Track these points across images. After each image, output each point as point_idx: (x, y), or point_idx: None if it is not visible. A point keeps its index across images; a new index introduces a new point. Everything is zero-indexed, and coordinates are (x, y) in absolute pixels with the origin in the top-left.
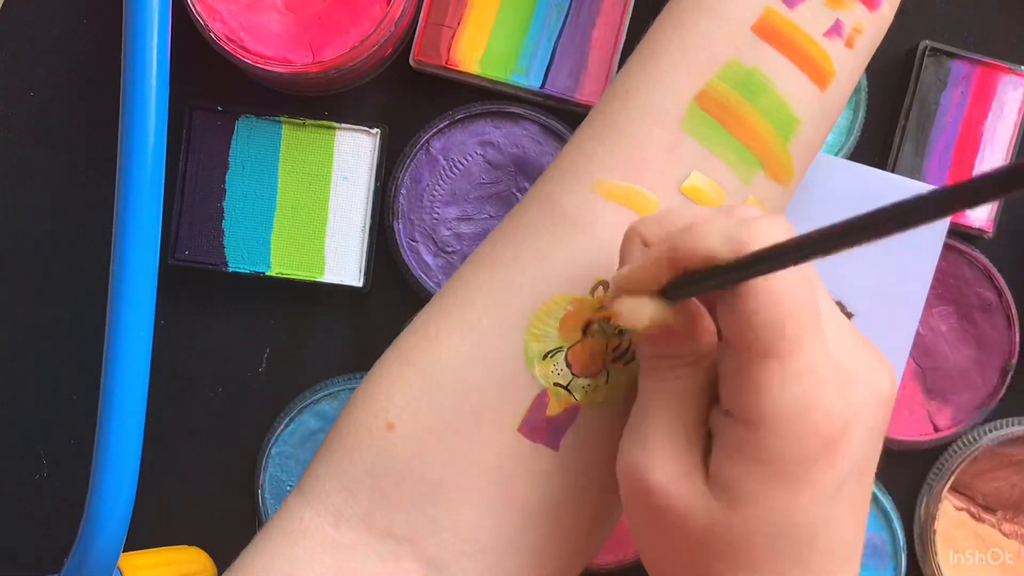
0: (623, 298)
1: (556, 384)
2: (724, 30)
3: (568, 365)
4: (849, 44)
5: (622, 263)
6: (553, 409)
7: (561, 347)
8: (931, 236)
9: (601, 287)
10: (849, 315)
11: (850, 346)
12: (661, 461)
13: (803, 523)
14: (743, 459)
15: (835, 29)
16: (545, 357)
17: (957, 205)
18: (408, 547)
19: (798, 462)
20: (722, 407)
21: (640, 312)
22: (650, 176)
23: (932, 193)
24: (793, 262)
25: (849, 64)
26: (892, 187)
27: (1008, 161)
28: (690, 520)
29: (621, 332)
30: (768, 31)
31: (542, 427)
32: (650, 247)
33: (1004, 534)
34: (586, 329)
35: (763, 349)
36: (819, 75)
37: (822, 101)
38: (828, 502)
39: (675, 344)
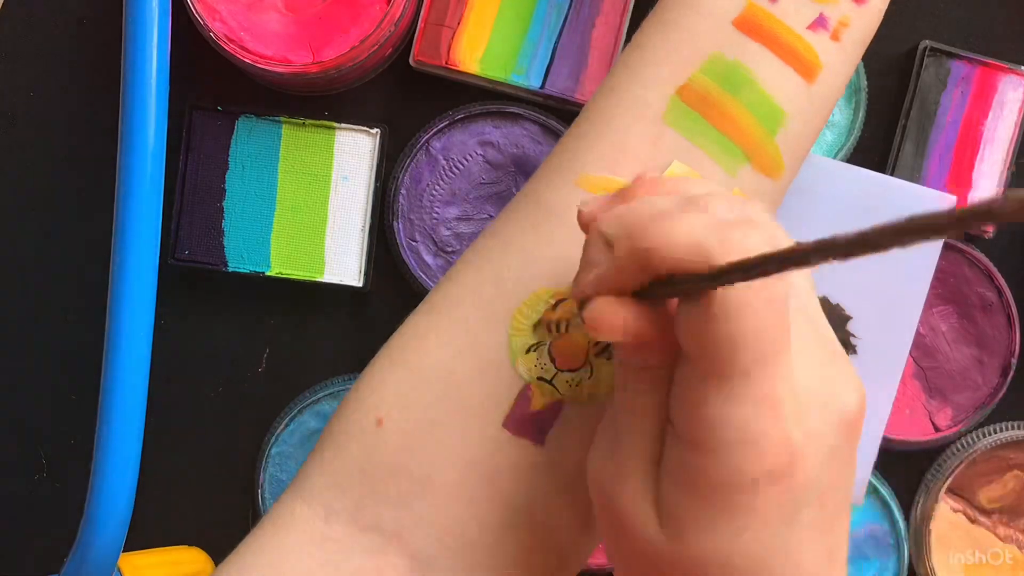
0: (594, 303)
1: (540, 379)
2: (706, 25)
3: (552, 359)
4: (835, 37)
5: (585, 266)
6: (537, 403)
7: (544, 341)
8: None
9: None
10: (847, 317)
11: (817, 363)
12: (627, 480)
13: (753, 554)
14: (686, 484)
15: (819, 22)
16: (529, 351)
17: (956, 225)
18: (394, 541)
19: (741, 491)
20: (672, 425)
21: (614, 321)
22: (632, 168)
23: (921, 217)
24: (765, 273)
25: (838, 58)
26: (893, 191)
27: (1007, 161)
28: (647, 544)
29: None
30: (750, 25)
31: (527, 422)
32: (616, 248)
33: (999, 537)
34: (569, 322)
35: (716, 367)
36: (805, 68)
37: (810, 94)
38: (781, 532)
39: (647, 354)
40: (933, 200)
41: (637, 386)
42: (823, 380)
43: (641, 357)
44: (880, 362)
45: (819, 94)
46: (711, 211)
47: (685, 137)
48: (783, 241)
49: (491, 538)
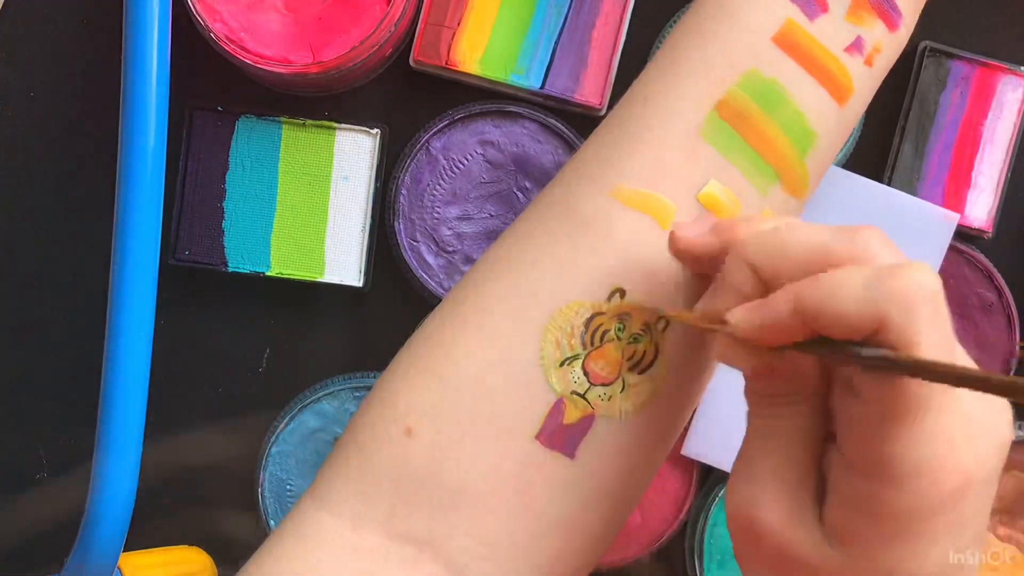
0: (725, 340)
1: (573, 392)
2: (744, 39)
3: (585, 373)
4: (869, 62)
5: (723, 290)
6: (570, 417)
7: (578, 354)
8: (930, 255)
9: (618, 294)
10: None
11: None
12: (774, 502)
13: (931, 573)
14: (861, 510)
15: (856, 46)
16: (562, 364)
17: None
18: (428, 550)
19: (919, 517)
20: (841, 454)
21: (743, 356)
22: (668, 182)
23: None
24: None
25: (867, 83)
26: (898, 204)
27: (1007, 161)
28: (803, 563)
29: (637, 340)
30: (788, 42)
31: (559, 435)
32: (771, 291)
33: (999, 538)
34: (603, 336)
35: (897, 411)
36: (838, 90)
37: (839, 117)
38: (950, 550)
39: (781, 383)
40: (938, 217)
41: (773, 412)
42: (983, 407)
43: (772, 385)
44: None
45: (846, 117)
46: (878, 261)
47: (720, 153)
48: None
49: (522, 549)
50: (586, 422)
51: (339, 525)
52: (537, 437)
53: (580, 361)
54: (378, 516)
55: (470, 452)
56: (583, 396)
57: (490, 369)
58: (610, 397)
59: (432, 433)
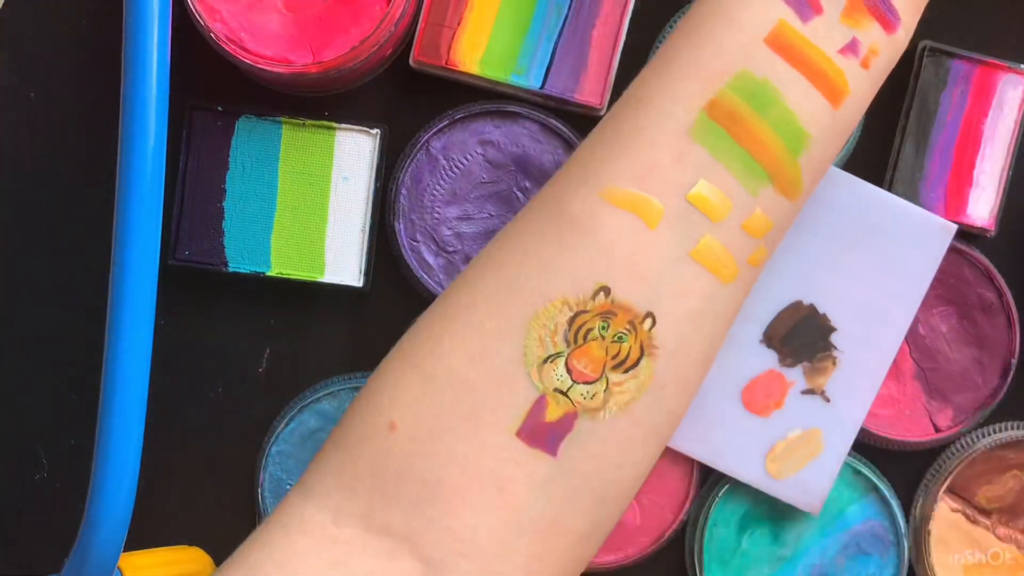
0: None
1: (556, 390)
2: (737, 40)
3: (568, 371)
4: (865, 65)
5: None
6: (552, 415)
7: (561, 352)
8: (925, 264)
9: (603, 292)
10: (832, 329)
11: None
12: None
13: None
14: None
15: (851, 47)
16: (545, 362)
17: None
18: (405, 545)
19: None
20: None
21: None
22: (657, 183)
23: None
24: None
25: (864, 85)
26: (897, 211)
27: (1009, 160)
28: None
29: (621, 339)
30: (780, 44)
31: (541, 432)
32: None
33: (999, 538)
34: (587, 335)
35: None
36: (832, 92)
37: (834, 118)
38: None
39: None
40: (936, 227)
41: None
42: None
43: None
44: (858, 375)
45: (842, 119)
46: None
47: (711, 154)
48: None
49: (501, 546)
50: (568, 420)
51: (320, 517)
52: (518, 434)
53: (563, 359)
54: (358, 509)
55: (449, 447)
56: (565, 394)
57: (473, 365)
58: (593, 395)
59: (414, 428)
